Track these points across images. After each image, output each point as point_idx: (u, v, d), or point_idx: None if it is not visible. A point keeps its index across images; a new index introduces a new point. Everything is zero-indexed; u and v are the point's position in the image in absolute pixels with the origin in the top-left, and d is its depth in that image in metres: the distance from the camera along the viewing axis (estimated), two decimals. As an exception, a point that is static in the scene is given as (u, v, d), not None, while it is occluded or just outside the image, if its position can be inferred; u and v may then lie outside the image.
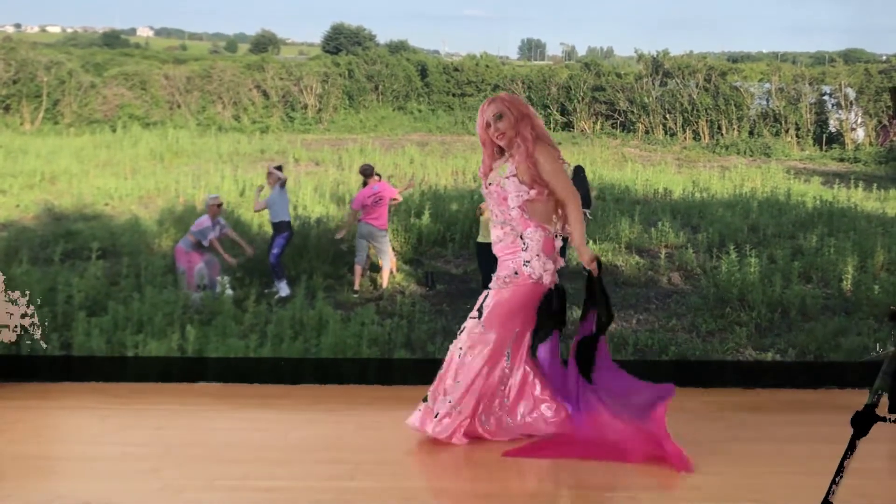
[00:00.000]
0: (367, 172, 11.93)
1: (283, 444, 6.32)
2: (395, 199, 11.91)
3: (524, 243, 6.16)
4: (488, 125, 6.22)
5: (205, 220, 11.60)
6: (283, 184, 11.69)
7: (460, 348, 6.30)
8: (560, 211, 6.28)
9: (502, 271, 6.22)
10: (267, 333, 10.41)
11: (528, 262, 6.14)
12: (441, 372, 6.39)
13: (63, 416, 7.09)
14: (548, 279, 6.18)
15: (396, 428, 6.55)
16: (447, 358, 6.38)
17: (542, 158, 6.15)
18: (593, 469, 5.85)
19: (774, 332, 10.94)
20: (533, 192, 6.17)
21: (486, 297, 6.27)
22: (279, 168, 11.84)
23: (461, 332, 6.36)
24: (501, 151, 6.35)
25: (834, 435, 4.55)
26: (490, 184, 6.30)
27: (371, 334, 10.49)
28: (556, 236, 6.24)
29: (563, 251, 6.41)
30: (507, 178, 6.22)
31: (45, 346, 7.80)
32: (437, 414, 6.30)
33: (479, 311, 6.27)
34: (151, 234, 12.26)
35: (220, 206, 11.71)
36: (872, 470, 5.42)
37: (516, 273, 6.17)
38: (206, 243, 11.55)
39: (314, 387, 7.88)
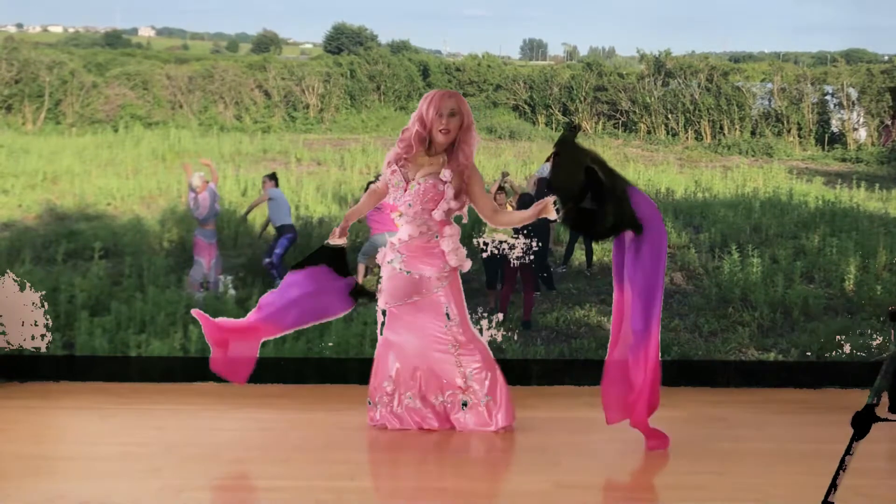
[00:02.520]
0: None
1: (283, 444, 6.33)
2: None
3: (446, 242, 6.48)
4: (440, 115, 6.29)
5: (204, 200, 11.60)
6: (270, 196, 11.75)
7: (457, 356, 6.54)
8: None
9: (430, 271, 6.50)
10: (269, 333, 10.39)
11: (450, 254, 6.48)
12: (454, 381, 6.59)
13: (63, 415, 7.11)
14: (467, 266, 6.56)
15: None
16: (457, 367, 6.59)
17: (475, 181, 6.48)
18: (593, 468, 5.86)
19: (777, 332, 10.93)
20: (456, 205, 6.47)
21: (444, 306, 6.53)
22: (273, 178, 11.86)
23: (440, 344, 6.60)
24: (428, 148, 6.49)
25: (834, 435, 4.56)
26: (419, 181, 6.46)
27: (374, 334, 10.41)
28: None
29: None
30: (447, 182, 6.39)
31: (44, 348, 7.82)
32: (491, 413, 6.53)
33: (447, 316, 6.53)
34: (153, 234, 12.24)
35: (206, 182, 11.67)
36: (872, 470, 5.43)
37: (446, 268, 6.45)
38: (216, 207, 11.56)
39: (314, 386, 7.91)
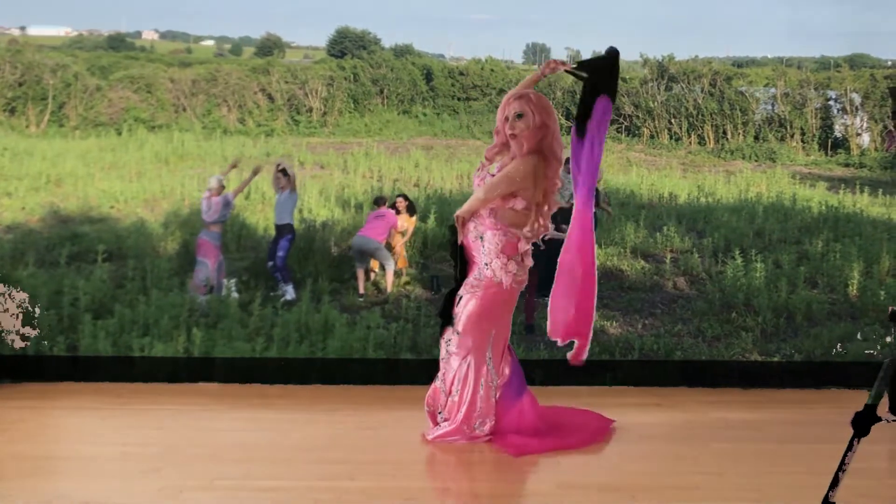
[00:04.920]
0: (379, 202, 12.02)
1: (283, 444, 6.34)
2: (400, 232, 11.92)
3: (483, 246, 6.22)
4: (507, 119, 6.23)
5: (217, 202, 11.56)
6: (292, 188, 11.68)
7: (442, 357, 6.41)
8: (539, 218, 6.30)
9: (470, 276, 6.29)
10: (273, 337, 10.40)
11: (488, 264, 6.20)
12: (436, 384, 6.47)
13: (64, 416, 7.12)
14: (507, 281, 6.23)
15: (396, 428, 6.58)
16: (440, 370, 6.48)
17: (515, 164, 6.19)
18: (593, 469, 5.86)
19: (780, 337, 10.92)
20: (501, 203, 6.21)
21: (459, 302, 6.34)
22: (283, 171, 11.79)
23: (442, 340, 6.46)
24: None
25: (834, 435, 4.56)
26: (481, 175, 6.35)
27: (377, 338, 10.47)
28: (520, 239, 6.26)
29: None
30: (493, 175, 6.27)
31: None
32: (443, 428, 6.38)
33: (450, 317, 6.36)
34: (157, 237, 12.26)
35: (223, 187, 11.65)
36: (872, 470, 5.43)
37: (480, 276, 6.24)
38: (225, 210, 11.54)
39: (315, 387, 7.91)
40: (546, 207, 6.35)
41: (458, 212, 6.30)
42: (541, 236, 6.38)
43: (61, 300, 10.69)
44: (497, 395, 6.42)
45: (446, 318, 6.44)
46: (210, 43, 15.94)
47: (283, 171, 11.76)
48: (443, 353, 6.46)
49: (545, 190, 6.29)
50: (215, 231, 11.54)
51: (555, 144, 6.28)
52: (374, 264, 11.91)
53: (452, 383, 6.38)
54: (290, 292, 11.49)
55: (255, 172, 12.04)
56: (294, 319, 10.73)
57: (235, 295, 11.35)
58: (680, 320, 11.18)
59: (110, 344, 10.14)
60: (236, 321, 10.73)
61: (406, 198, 12.07)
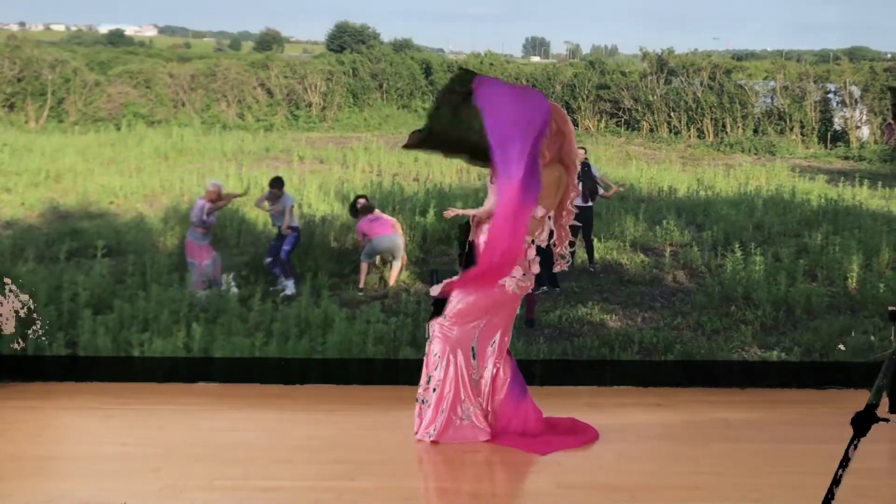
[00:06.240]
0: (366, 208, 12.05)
1: (283, 444, 6.35)
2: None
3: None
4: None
5: (200, 203, 11.54)
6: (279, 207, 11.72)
7: (427, 341, 6.45)
8: (553, 225, 6.37)
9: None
10: (272, 332, 10.40)
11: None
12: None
13: (64, 416, 7.12)
14: (511, 285, 6.25)
15: (396, 428, 6.57)
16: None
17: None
18: (593, 469, 5.86)
19: (779, 330, 10.91)
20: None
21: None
22: (279, 182, 11.77)
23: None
24: None
25: (834, 435, 4.55)
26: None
27: (377, 332, 10.46)
28: (529, 246, 6.30)
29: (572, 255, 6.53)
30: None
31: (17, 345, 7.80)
32: (422, 418, 6.39)
33: (442, 304, 6.38)
34: (156, 233, 12.25)
35: (214, 190, 11.61)
36: (872, 470, 5.43)
37: None
38: (205, 218, 11.48)
39: (315, 387, 7.91)
40: (563, 216, 6.41)
41: (476, 212, 6.34)
42: (563, 245, 6.46)
43: (61, 296, 10.69)
44: (503, 394, 6.44)
45: (439, 308, 6.46)
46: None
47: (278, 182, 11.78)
48: (428, 335, 6.51)
49: (563, 197, 6.34)
50: (199, 231, 11.52)
51: (572, 149, 6.31)
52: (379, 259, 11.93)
53: (432, 368, 6.41)
54: (290, 287, 11.49)
55: (240, 195, 12.07)
56: (294, 314, 10.73)
57: (235, 290, 11.34)
58: (679, 314, 11.18)
59: (110, 339, 10.13)
60: (236, 316, 10.73)
61: (366, 198, 12.06)
